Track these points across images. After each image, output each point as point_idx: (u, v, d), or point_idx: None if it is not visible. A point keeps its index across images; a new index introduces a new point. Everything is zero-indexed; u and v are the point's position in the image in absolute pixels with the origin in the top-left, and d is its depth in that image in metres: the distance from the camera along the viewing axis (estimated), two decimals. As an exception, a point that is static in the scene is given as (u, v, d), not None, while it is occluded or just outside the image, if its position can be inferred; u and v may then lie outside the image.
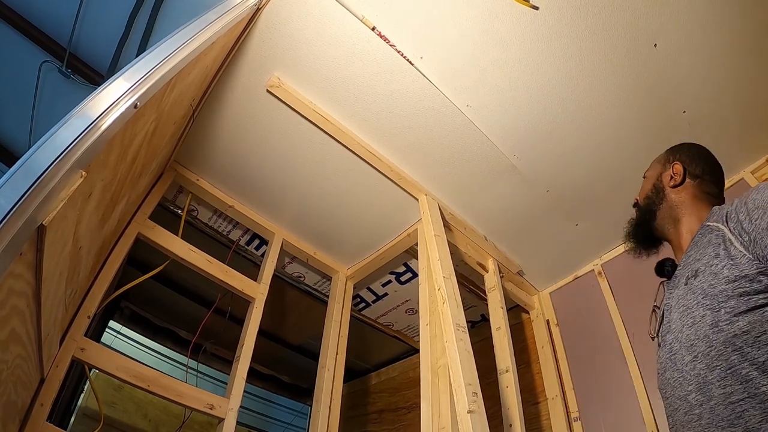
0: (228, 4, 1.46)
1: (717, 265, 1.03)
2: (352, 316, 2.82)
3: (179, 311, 3.25)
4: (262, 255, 2.72)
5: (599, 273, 2.63)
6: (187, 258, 2.14)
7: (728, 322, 0.95)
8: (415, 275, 2.90)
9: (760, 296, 0.93)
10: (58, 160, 0.78)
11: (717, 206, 1.21)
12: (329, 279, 2.94)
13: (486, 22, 1.74)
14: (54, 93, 2.46)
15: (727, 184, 2.19)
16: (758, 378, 0.88)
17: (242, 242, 2.77)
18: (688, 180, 1.33)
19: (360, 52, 1.85)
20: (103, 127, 0.87)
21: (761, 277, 0.94)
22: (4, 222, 0.67)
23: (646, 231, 1.40)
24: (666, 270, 1.27)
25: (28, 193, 0.72)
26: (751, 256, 0.96)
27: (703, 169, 1.35)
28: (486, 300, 2.58)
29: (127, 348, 3.70)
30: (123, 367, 1.72)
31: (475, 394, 1.60)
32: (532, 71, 1.87)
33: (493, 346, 2.35)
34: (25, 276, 0.87)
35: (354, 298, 3.03)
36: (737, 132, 2.08)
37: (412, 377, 3.48)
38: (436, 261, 2.06)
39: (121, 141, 1.12)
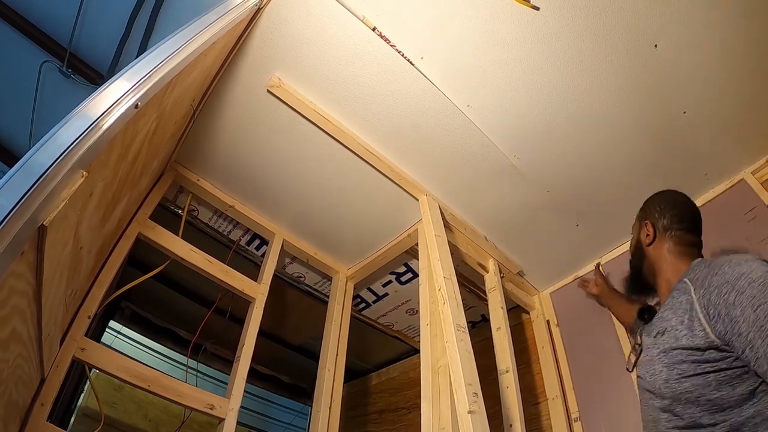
0: (229, 5, 1.46)
1: (679, 330, 1.18)
2: (352, 316, 2.82)
3: (179, 311, 3.25)
4: (263, 255, 2.72)
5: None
6: (188, 258, 2.14)
7: (677, 380, 1.14)
8: (415, 275, 2.90)
9: (707, 365, 1.09)
10: (59, 160, 0.78)
11: (697, 260, 1.36)
12: (329, 279, 2.95)
13: (487, 22, 1.74)
14: (54, 93, 2.46)
15: (727, 184, 2.23)
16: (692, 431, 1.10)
17: (243, 242, 2.77)
18: (659, 235, 1.51)
19: (361, 52, 1.85)
20: (104, 127, 0.87)
21: (711, 351, 1.09)
22: (5, 222, 0.67)
23: (640, 284, 1.60)
24: (645, 317, 1.52)
25: (29, 193, 0.72)
26: (708, 330, 1.10)
27: (671, 220, 1.50)
28: (486, 300, 2.57)
29: (127, 348, 3.70)
30: (123, 367, 1.72)
31: (476, 394, 1.60)
32: (533, 72, 1.87)
33: (493, 347, 2.35)
34: (26, 276, 0.87)
35: (354, 298, 3.03)
36: (738, 132, 2.08)
37: (413, 377, 3.48)
38: (437, 261, 2.06)
39: (122, 141, 1.12)
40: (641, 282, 1.57)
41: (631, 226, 2.48)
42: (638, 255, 1.58)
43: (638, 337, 1.45)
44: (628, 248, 2.51)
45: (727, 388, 1.06)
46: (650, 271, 1.51)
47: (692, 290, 1.20)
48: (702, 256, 1.44)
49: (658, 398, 1.19)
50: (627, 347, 2.26)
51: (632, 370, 1.42)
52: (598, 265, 2.41)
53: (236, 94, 2.02)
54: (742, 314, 1.04)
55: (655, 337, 1.27)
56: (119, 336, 3.63)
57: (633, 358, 1.43)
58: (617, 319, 2.19)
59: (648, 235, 1.52)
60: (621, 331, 2.33)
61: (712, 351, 1.09)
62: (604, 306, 2.25)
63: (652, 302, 1.69)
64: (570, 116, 2.01)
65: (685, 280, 1.27)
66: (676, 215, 1.51)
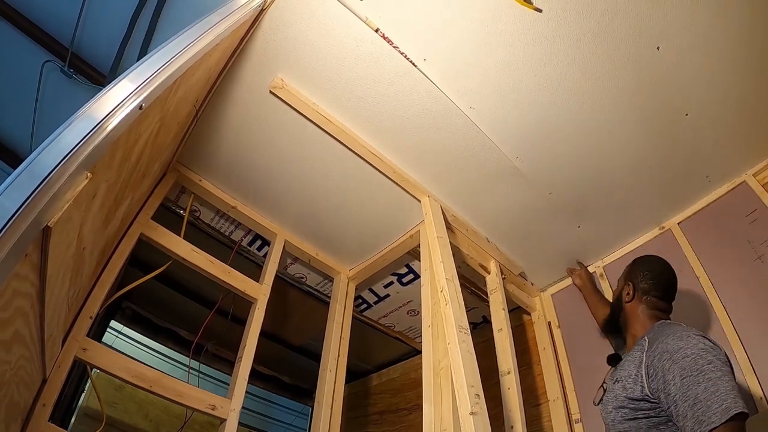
0: (232, 6, 1.46)
1: (628, 382, 1.46)
2: (353, 317, 2.82)
3: (181, 312, 3.25)
4: (264, 256, 2.72)
5: (601, 275, 2.63)
6: (189, 258, 2.14)
7: (620, 422, 1.46)
8: (417, 277, 2.90)
9: (641, 412, 1.40)
10: (63, 161, 0.78)
11: (658, 322, 1.63)
12: (331, 280, 2.95)
13: (489, 24, 1.74)
14: (56, 93, 2.46)
15: (728, 186, 2.23)
16: None
17: (244, 243, 2.77)
18: (637, 296, 1.76)
19: (363, 53, 1.85)
20: (109, 129, 0.87)
21: (643, 402, 1.39)
22: (9, 223, 0.67)
23: (613, 327, 1.87)
24: (612, 363, 1.79)
25: (34, 194, 0.72)
26: (645, 385, 1.39)
27: (650, 287, 1.75)
28: (488, 302, 2.57)
29: (128, 348, 3.70)
30: (124, 367, 1.72)
31: (478, 395, 1.60)
32: (535, 73, 1.87)
33: (494, 348, 2.35)
34: (29, 277, 0.87)
35: (356, 299, 3.03)
36: (739, 135, 2.08)
37: (414, 378, 3.48)
38: (439, 263, 2.06)
39: (125, 142, 1.12)
40: (615, 326, 1.85)
41: (631, 228, 2.51)
42: (617, 306, 1.84)
43: (605, 380, 1.71)
44: (630, 250, 2.56)
45: (655, 430, 1.37)
46: (623, 323, 1.80)
47: (645, 349, 1.48)
48: (669, 319, 1.69)
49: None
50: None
51: (598, 404, 1.67)
52: (581, 263, 2.72)
53: (239, 95, 2.02)
54: (672, 380, 1.31)
55: (615, 383, 1.54)
56: (120, 336, 3.63)
57: (600, 394, 1.67)
58: (592, 312, 2.43)
59: (628, 293, 1.78)
60: (622, 332, 2.33)
61: (644, 402, 1.39)
62: (585, 299, 2.53)
63: (618, 347, 1.96)
64: (572, 118, 2.01)
65: (645, 337, 1.55)
66: (655, 283, 1.75)
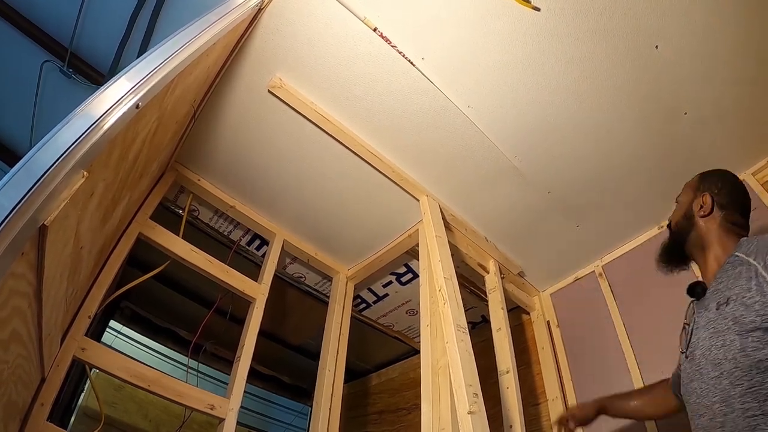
0: (230, 5, 1.46)
1: (748, 297, 1.15)
2: (352, 316, 2.82)
3: (180, 311, 3.25)
4: (263, 255, 2.72)
5: (600, 274, 2.63)
6: (188, 258, 2.14)
7: (755, 348, 1.09)
8: (415, 276, 2.90)
9: None
10: (60, 159, 0.78)
11: (744, 238, 1.37)
12: (330, 279, 2.95)
13: (487, 23, 1.74)
14: (55, 92, 2.46)
15: (727, 185, 2.21)
16: None
17: (243, 242, 2.77)
18: (715, 210, 1.46)
19: (362, 53, 1.85)
20: (105, 127, 0.87)
21: None
22: (6, 222, 0.67)
23: (678, 252, 1.53)
24: (697, 292, 1.38)
25: (30, 192, 0.72)
26: None
27: (729, 200, 1.47)
28: (486, 301, 2.57)
29: (127, 348, 3.70)
30: (123, 366, 1.72)
31: (476, 395, 1.60)
32: (534, 72, 1.87)
33: (493, 347, 2.35)
34: (26, 276, 0.87)
35: (355, 298, 3.03)
36: (738, 134, 2.08)
37: (413, 378, 3.48)
38: (437, 262, 2.06)
39: (123, 141, 1.12)
40: (680, 253, 1.53)
41: (630, 227, 2.50)
42: (686, 225, 1.51)
43: (689, 316, 1.40)
44: (628, 249, 2.55)
45: None
46: (697, 244, 1.46)
47: (751, 260, 1.22)
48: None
49: (728, 374, 1.14)
50: (627, 348, 2.26)
51: (686, 352, 1.34)
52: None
53: (237, 95, 2.02)
54: None
55: (717, 309, 1.24)
56: (119, 336, 3.62)
57: (685, 338, 1.37)
58: (630, 414, 1.75)
59: (703, 206, 1.47)
60: (621, 331, 2.33)
61: None
62: (615, 416, 1.78)
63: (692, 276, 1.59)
64: (570, 117, 2.01)
65: (738, 254, 1.28)
66: (734, 195, 1.49)
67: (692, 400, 1.26)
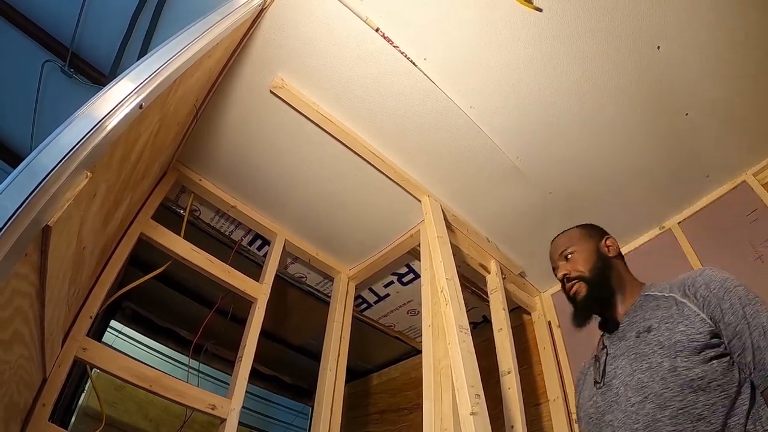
0: (232, 5, 1.46)
1: (672, 322, 1.16)
2: (353, 316, 2.82)
3: (181, 311, 3.24)
4: (264, 255, 2.72)
5: (601, 274, 2.62)
6: (189, 258, 2.14)
7: (686, 368, 1.07)
8: (417, 276, 2.90)
9: (711, 351, 1.08)
10: (63, 161, 0.78)
11: (649, 282, 1.39)
12: (331, 280, 2.94)
13: (490, 24, 1.74)
14: (56, 92, 2.45)
15: (729, 186, 2.23)
16: (709, 417, 1.00)
17: (244, 242, 2.77)
18: (618, 253, 1.51)
19: (364, 53, 1.85)
20: (109, 128, 0.87)
21: (713, 340, 1.09)
22: (9, 223, 0.67)
23: (603, 298, 1.42)
24: (609, 326, 1.38)
25: (34, 194, 0.72)
26: (704, 316, 1.13)
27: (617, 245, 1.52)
28: (488, 301, 2.57)
29: (128, 348, 3.70)
30: (125, 367, 1.72)
31: (478, 395, 1.60)
32: (536, 73, 1.87)
33: (495, 348, 2.35)
34: (29, 277, 0.87)
35: (356, 298, 3.03)
36: (740, 134, 2.08)
37: (414, 378, 3.47)
38: (439, 262, 2.06)
39: (125, 142, 1.12)
40: (605, 296, 1.43)
41: (631, 228, 2.50)
42: (604, 266, 1.46)
43: (598, 349, 1.38)
44: (630, 249, 2.54)
45: (730, 374, 1.06)
46: (618, 282, 1.43)
47: (666, 293, 1.25)
48: None
49: (655, 397, 1.08)
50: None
51: (601, 383, 1.27)
52: None
53: (239, 95, 2.02)
54: (731, 308, 1.10)
55: (638, 337, 1.22)
56: (121, 336, 3.63)
57: (595, 371, 1.32)
58: None
59: (611, 248, 1.50)
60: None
61: (713, 339, 1.10)
62: None
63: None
64: (572, 118, 2.01)
65: (649, 293, 1.32)
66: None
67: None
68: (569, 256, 1.50)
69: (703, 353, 1.08)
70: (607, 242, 1.51)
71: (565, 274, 1.48)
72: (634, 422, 1.09)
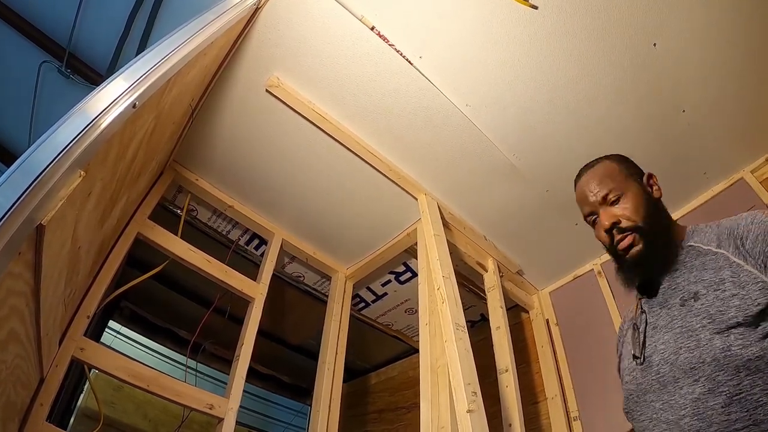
0: (227, 4, 1.46)
1: (723, 290, 0.96)
2: (351, 315, 2.82)
3: (179, 311, 3.24)
4: (262, 255, 2.72)
5: (599, 272, 2.63)
6: (187, 258, 2.14)
7: (741, 346, 0.89)
8: (414, 275, 2.90)
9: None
10: (57, 159, 0.78)
11: (691, 226, 1.16)
12: (329, 279, 2.94)
13: (485, 21, 1.74)
14: (53, 93, 2.45)
15: (726, 183, 2.23)
16: (765, 406, 0.84)
17: (242, 242, 2.77)
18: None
19: (359, 51, 1.85)
20: (102, 126, 0.87)
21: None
22: (2, 221, 0.67)
23: (665, 258, 1.15)
24: (647, 290, 1.16)
25: (27, 192, 0.72)
26: (766, 279, 0.92)
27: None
28: (485, 299, 2.58)
29: (126, 348, 3.70)
30: (122, 367, 1.72)
31: (475, 393, 1.60)
32: (531, 71, 1.87)
33: (492, 346, 2.35)
34: (24, 275, 0.87)
35: (353, 297, 3.03)
36: (737, 131, 2.08)
37: (412, 377, 3.48)
38: (436, 260, 2.06)
39: (120, 140, 1.12)
40: (668, 251, 1.15)
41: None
42: (659, 215, 1.19)
43: (638, 316, 1.16)
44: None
45: None
46: (675, 232, 1.18)
47: (714, 248, 1.03)
48: None
49: (707, 380, 0.91)
50: (626, 346, 2.26)
51: (640, 358, 1.07)
52: None
53: (235, 94, 2.02)
54: None
55: (683, 305, 1.02)
56: (118, 336, 3.63)
57: (635, 343, 1.11)
58: None
59: (655, 188, 1.23)
60: (620, 330, 2.33)
61: None
62: None
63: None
64: (569, 115, 2.01)
65: (692, 244, 1.09)
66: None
67: (646, 416, 1.02)
68: (614, 199, 1.20)
69: (762, 327, 0.90)
70: (650, 181, 1.25)
71: (614, 223, 1.17)
72: (680, 407, 0.94)
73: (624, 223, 1.16)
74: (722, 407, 0.87)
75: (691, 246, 1.10)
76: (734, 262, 0.98)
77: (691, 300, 1.01)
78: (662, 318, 1.07)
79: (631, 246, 1.15)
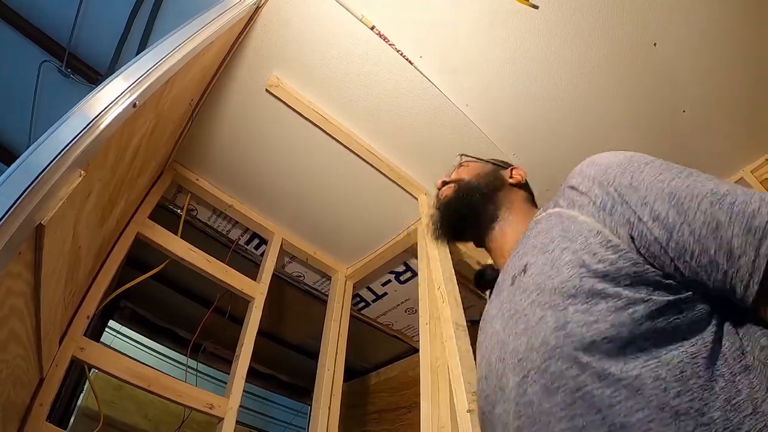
0: (227, 3, 1.46)
1: (552, 251, 0.74)
2: (351, 315, 2.82)
3: (179, 311, 3.24)
4: (262, 254, 2.71)
5: (599, 272, 2.62)
6: (187, 257, 2.14)
7: (583, 323, 0.64)
8: (415, 275, 2.89)
9: (627, 291, 0.63)
10: (56, 159, 0.77)
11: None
12: (329, 278, 2.94)
13: (486, 21, 1.74)
14: (53, 93, 2.45)
15: (726, 183, 2.22)
16: (624, 402, 0.57)
17: (242, 242, 2.77)
18: (526, 185, 1.17)
19: (359, 51, 1.85)
20: (102, 126, 0.87)
21: (631, 256, 0.65)
22: (2, 221, 0.67)
23: (471, 211, 1.08)
24: (486, 279, 1.06)
25: (27, 192, 0.72)
26: (606, 232, 0.69)
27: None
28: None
29: (126, 347, 3.70)
30: (122, 366, 1.72)
31: (475, 393, 1.60)
32: (531, 70, 1.87)
33: (492, 346, 2.35)
34: (23, 275, 0.86)
35: (354, 297, 3.03)
36: (737, 131, 2.08)
37: (412, 377, 3.47)
38: (436, 260, 2.06)
39: (119, 140, 1.12)
40: (475, 203, 1.09)
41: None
42: (495, 181, 1.13)
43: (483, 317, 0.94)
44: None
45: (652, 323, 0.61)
46: (507, 207, 1.08)
47: (552, 208, 0.85)
48: None
49: (537, 374, 0.65)
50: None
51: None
52: None
53: (235, 94, 2.02)
54: (648, 201, 0.70)
55: (512, 284, 0.80)
56: (119, 336, 3.63)
57: (490, 330, 0.84)
58: None
59: (516, 176, 1.16)
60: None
61: (633, 255, 0.66)
62: None
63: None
64: (569, 115, 2.01)
65: (538, 216, 0.89)
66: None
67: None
68: (458, 169, 1.22)
69: (617, 294, 0.64)
70: (513, 171, 1.17)
71: (444, 181, 1.19)
72: (515, 416, 0.68)
73: (452, 179, 1.19)
74: (562, 411, 0.62)
75: (534, 221, 0.89)
76: (568, 214, 0.77)
77: (520, 275, 0.79)
78: (494, 307, 0.86)
79: (444, 197, 1.15)
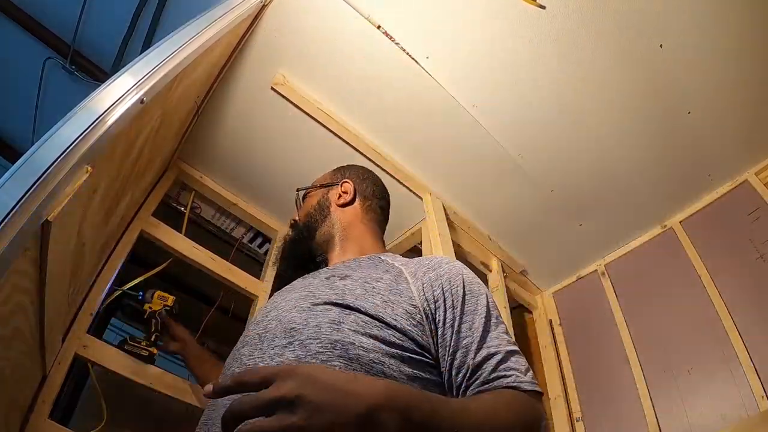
0: (233, 1, 1.45)
1: (376, 281, 0.93)
2: (354, 314, 2.81)
3: (182, 309, 3.23)
4: (266, 253, 2.71)
5: (602, 273, 2.62)
6: (191, 255, 2.13)
7: (354, 331, 0.81)
8: (418, 274, 2.88)
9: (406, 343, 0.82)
10: (63, 155, 0.77)
11: (391, 254, 1.16)
12: (332, 277, 2.93)
13: (492, 21, 1.73)
14: (58, 89, 2.46)
15: (730, 185, 2.22)
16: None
17: (245, 240, 2.76)
18: (357, 200, 1.30)
19: (366, 50, 1.85)
20: (109, 123, 0.87)
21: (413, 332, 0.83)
22: (8, 218, 0.66)
23: (301, 250, 1.25)
24: (316, 263, 1.22)
25: (33, 188, 0.71)
26: (414, 294, 0.89)
27: (372, 191, 1.34)
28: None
29: (129, 345, 3.69)
30: (125, 364, 1.72)
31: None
32: (538, 71, 1.87)
33: (496, 346, 2.34)
34: (29, 272, 0.86)
35: (356, 296, 3.02)
36: (742, 133, 2.07)
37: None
38: (440, 260, 2.05)
39: (126, 137, 1.12)
40: (304, 249, 1.25)
41: (633, 227, 2.49)
42: (319, 215, 1.28)
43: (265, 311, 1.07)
44: (631, 248, 2.54)
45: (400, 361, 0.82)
46: (329, 236, 1.24)
47: (399, 264, 1.02)
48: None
49: (298, 346, 0.81)
50: (630, 347, 2.25)
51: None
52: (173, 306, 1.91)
53: (240, 92, 2.01)
54: (453, 304, 0.88)
55: (328, 279, 0.98)
56: (121, 333, 3.62)
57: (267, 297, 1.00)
58: (199, 380, 1.73)
59: (345, 194, 1.28)
60: (623, 330, 2.32)
61: (416, 325, 0.86)
62: (189, 366, 1.75)
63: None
64: (575, 116, 2.01)
65: (383, 257, 1.08)
66: (378, 188, 1.37)
67: (230, 368, 1.01)
68: (304, 200, 1.38)
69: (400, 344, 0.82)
70: (343, 187, 1.30)
71: (290, 223, 1.38)
72: (260, 361, 0.84)
73: (292, 219, 1.38)
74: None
75: (379, 257, 1.09)
76: (405, 276, 0.95)
77: (336, 278, 0.97)
78: (299, 283, 1.05)
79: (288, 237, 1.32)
